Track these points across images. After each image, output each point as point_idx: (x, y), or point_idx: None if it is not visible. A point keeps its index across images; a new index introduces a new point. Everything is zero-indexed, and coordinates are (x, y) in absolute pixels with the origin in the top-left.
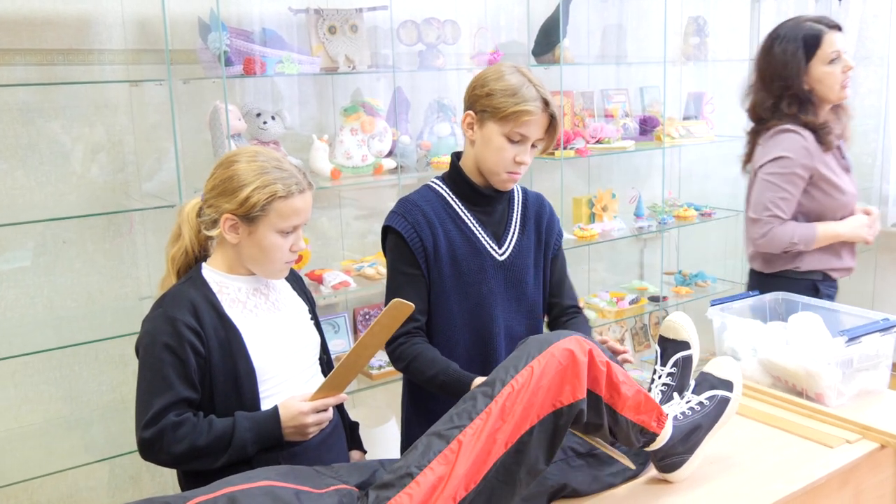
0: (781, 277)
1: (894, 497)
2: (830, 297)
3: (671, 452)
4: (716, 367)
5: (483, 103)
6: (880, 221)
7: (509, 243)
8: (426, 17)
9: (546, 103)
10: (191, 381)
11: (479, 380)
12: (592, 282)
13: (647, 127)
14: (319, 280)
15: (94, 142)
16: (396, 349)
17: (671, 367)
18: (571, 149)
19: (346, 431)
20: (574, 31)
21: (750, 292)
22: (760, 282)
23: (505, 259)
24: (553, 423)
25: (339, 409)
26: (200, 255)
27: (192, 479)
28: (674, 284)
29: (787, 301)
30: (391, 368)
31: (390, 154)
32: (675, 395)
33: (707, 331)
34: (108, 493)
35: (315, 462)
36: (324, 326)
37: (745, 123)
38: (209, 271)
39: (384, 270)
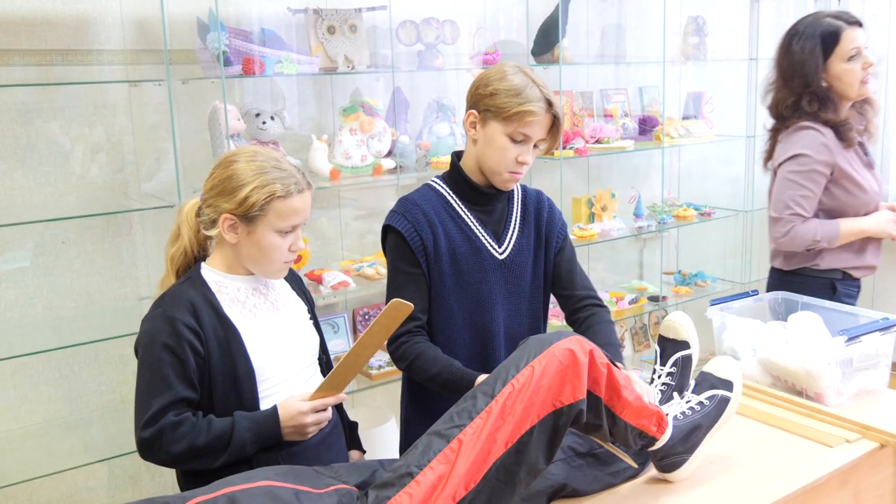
0: (800, 275)
1: (894, 496)
2: (851, 297)
3: (671, 452)
4: (716, 367)
5: (486, 103)
6: None
7: (509, 242)
8: (425, 17)
9: (549, 104)
10: (190, 381)
11: (481, 377)
12: (592, 281)
13: (647, 127)
14: (319, 280)
15: (94, 142)
16: (398, 348)
17: (671, 367)
18: (571, 149)
19: (346, 431)
20: (573, 31)
21: (749, 292)
22: (780, 280)
23: (505, 258)
24: (553, 423)
25: (339, 408)
26: (200, 254)
27: (191, 479)
28: (673, 284)
29: (786, 301)
30: (390, 368)
31: (389, 154)
32: (675, 394)
33: (707, 330)
34: (108, 494)
35: (314, 462)
36: (323, 326)
37: (765, 120)
38: (208, 271)
39: (384, 270)
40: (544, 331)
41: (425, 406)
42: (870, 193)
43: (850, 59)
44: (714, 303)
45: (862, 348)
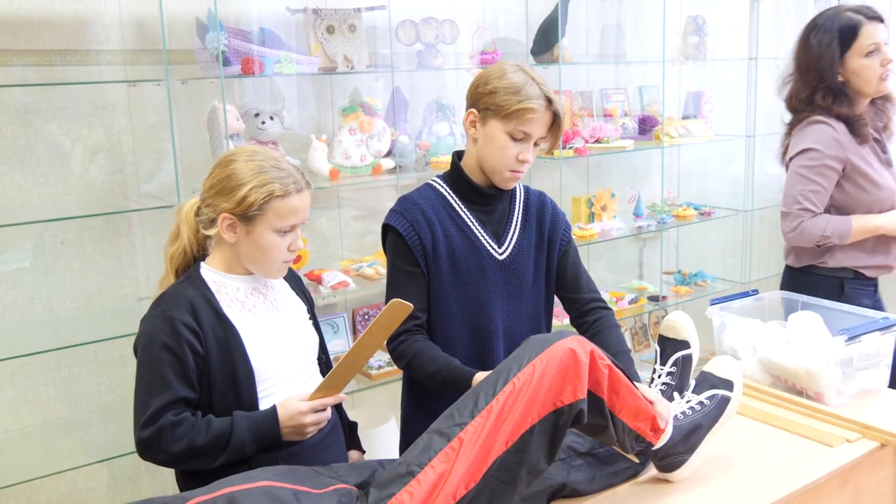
0: (809, 273)
1: (894, 496)
2: (867, 297)
3: (671, 452)
4: (716, 367)
5: (486, 101)
6: None
7: (509, 242)
8: (424, 17)
9: (549, 101)
10: (189, 381)
11: (479, 375)
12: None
13: (646, 126)
14: (318, 280)
15: (93, 142)
16: (397, 347)
17: (671, 367)
18: (570, 148)
19: (345, 431)
20: (573, 31)
21: (749, 291)
22: (791, 277)
23: (505, 258)
24: (553, 423)
25: (338, 408)
26: (199, 254)
27: (190, 479)
28: (673, 284)
29: (786, 300)
30: (390, 368)
31: (389, 154)
32: (675, 394)
33: (707, 330)
34: (108, 494)
35: (313, 462)
36: (323, 327)
37: (782, 114)
38: (207, 271)
39: (383, 270)
40: (546, 331)
41: (425, 405)
42: (885, 191)
43: (869, 54)
44: (714, 302)
45: (862, 348)
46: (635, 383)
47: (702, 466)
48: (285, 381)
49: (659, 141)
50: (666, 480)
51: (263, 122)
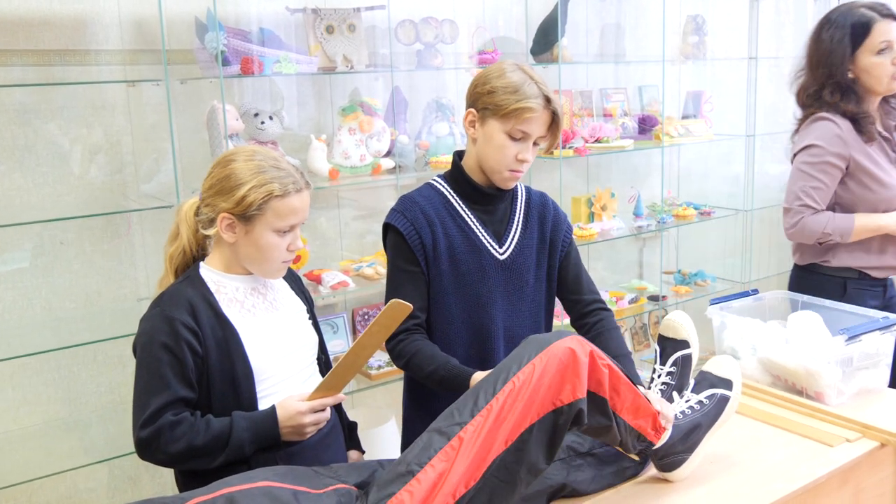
0: (815, 273)
1: (894, 496)
2: (874, 298)
3: (671, 451)
4: (715, 366)
5: (485, 101)
6: None
7: (510, 242)
8: (424, 17)
9: (548, 100)
10: (188, 381)
11: (478, 374)
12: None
13: (646, 126)
14: (318, 280)
15: (92, 142)
16: (396, 346)
17: (671, 366)
18: (570, 148)
19: (345, 431)
20: (572, 30)
21: (749, 291)
22: (798, 276)
23: (505, 258)
24: (553, 422)
25: (337, 408)
26: (198, 254)
27: (190, 479)
28: (673, 283)
29: (786, 300)
30: (390, 368)
31: (388, 154)
32: (675, 394)
33: (706, 330)
34: (108, 495)
35: (312, 462)
36: (322, 327)
37: (794, 110)
38: (207, 270)
39: (383, 270)
40: (547, 332)
41: (426, 405)
42: (892, 190)
43: (880, 52)
44: (714, 302)
45: (862, 347)
46: (638, 385)
47: (701, 466)
48: (284, 381)
49: (659, 140)
50: (666, 480)
51: (263, 122)
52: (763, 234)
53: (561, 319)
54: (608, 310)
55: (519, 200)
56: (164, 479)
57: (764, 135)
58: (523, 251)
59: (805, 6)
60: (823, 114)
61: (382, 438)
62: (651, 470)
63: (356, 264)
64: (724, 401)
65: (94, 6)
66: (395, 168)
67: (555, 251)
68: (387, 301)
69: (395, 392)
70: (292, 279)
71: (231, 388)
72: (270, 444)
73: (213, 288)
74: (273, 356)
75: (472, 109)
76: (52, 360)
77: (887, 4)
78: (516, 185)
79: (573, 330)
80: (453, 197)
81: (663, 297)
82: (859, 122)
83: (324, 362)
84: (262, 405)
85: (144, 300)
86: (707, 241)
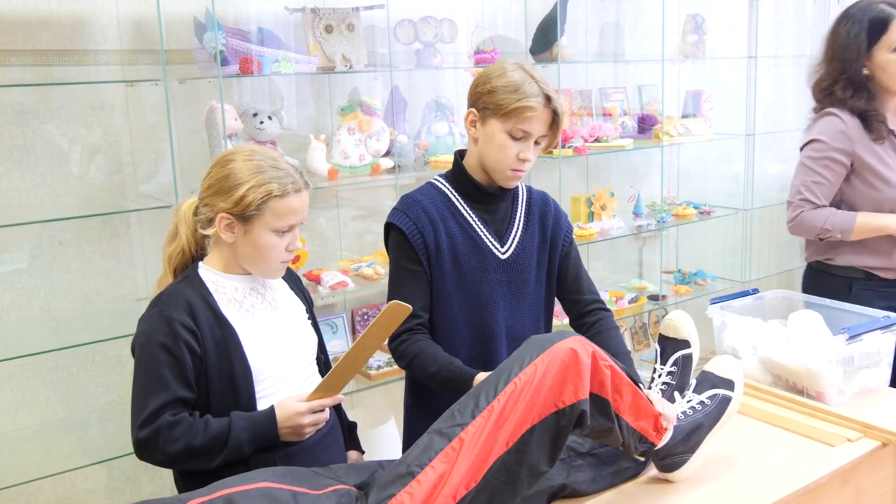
0: (823, 272)
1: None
2: (883, 299)
3: (672, 452)
4: (716, 366)
5: (485, 100)
6: None
7: (512, 242)
8: (423, 16)
9: (548, 99)
10: (187, 381)
11: (480, 375)
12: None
13: (646, 125)
14: (317, 280)
15: (91, 143)
16: (399, 346)
17: (671, 366)
18: (570, 147)
19: (344, 432)
20: (572, 29)
21: (749, 290)
22: (808, 274)
23: (507, 258)
24: (555, 423)
25: (337, 408)
26: (197, 254)
27: (189, 480)
28: (673, 283)
29: (787, 299)
30: (390, 369)
31: (388, 153)
32: (676, 394)
33: (707, 329)
34: (107, 495)
35: (312, 462)
36: (322, 327)
37: (811, 107)
38: (205, 270)
39: (382, 270)
40: (547, 331)
41: (428, 405)
42: None
43: None
44: (714, 301)
45: (863, 347)
46: (638, 385)
47: (703, 466)
48: (283, 381)
49: (658, 140)
50: (667, 480)
51: (262, 122)
52: (763, 233)
53: (560, 319)
54: (608, 310)
55: (520, 200)
56: (163, 480)
57: (763, 134)
58: (525, 250)
59: (804, 5)
60: (831, 109)
61: (382, 439)
62: (652, 470)
63: (355, 264)
64: (726, 401)
65: (93, 6)
66: (394, 168)
67: (555, 251)
68: (389, 301)
69: (394, 392)
70: (291, 279)
71: (230, 389)
72: (269, 445)
73: (211, 288)
74: (272, 356)
75: (473, 109)
76: (50, 360)
77: None
78: (518, 185)
79: (573, 330)
80: (455, 196)
81: (663, 296)
82: (868, 120)
83: (323, 362)
84: (261, 405)
85: (143, 300)
86: (707, 240)
